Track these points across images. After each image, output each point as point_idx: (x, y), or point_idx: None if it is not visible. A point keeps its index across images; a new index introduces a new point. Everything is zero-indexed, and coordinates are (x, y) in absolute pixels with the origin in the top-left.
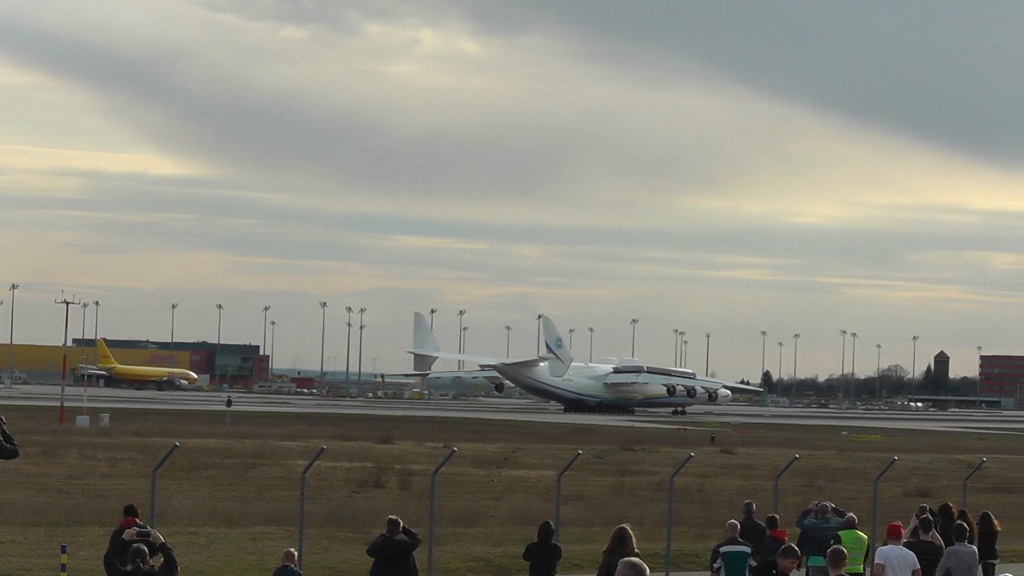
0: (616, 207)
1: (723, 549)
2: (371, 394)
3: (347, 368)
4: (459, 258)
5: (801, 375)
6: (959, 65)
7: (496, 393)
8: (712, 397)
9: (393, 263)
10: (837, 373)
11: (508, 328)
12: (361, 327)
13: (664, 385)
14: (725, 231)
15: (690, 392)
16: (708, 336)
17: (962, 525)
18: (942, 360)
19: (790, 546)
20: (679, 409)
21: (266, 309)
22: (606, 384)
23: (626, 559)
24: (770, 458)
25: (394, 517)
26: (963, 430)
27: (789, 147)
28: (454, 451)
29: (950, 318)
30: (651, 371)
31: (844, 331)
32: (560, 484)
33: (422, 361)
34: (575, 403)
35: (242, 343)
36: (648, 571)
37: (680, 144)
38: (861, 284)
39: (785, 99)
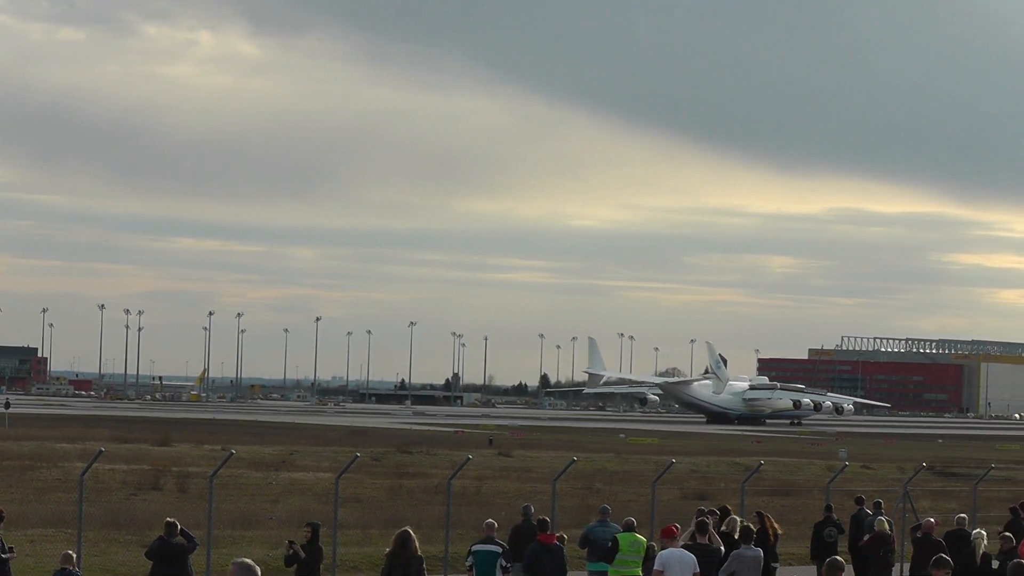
0: (392, 209)
1: (475, 548)
2: (149, 396)
3: (125, 370)
4: (236, 260)
5: (579, 377)
6: (736, 69)
7: (638, 407)
8: (839, 411)
9: (170, 265)
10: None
11: (286, 331)
12: (139, 329)
13: (792, 400)
14: (502, 233)
15: (817, 406)
16: (486, 338)
17: (748, 527)
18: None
19: (941, 556)
20: (796, 420)
21: (44, 311)
22: (744, 399)
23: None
24: (548, 461)
25: (172, 520)
26: (740, 433)
27: (566, 149)
28: (232, 453)
29: (727, 321)
30: (784, 388)
31: (622, 334)
32: (338, 486)
33: (595, 379)
34: (718, 416)
35: (19, 345)
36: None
37: (456, 146)
38: (639, 287)
39: (561, 101)
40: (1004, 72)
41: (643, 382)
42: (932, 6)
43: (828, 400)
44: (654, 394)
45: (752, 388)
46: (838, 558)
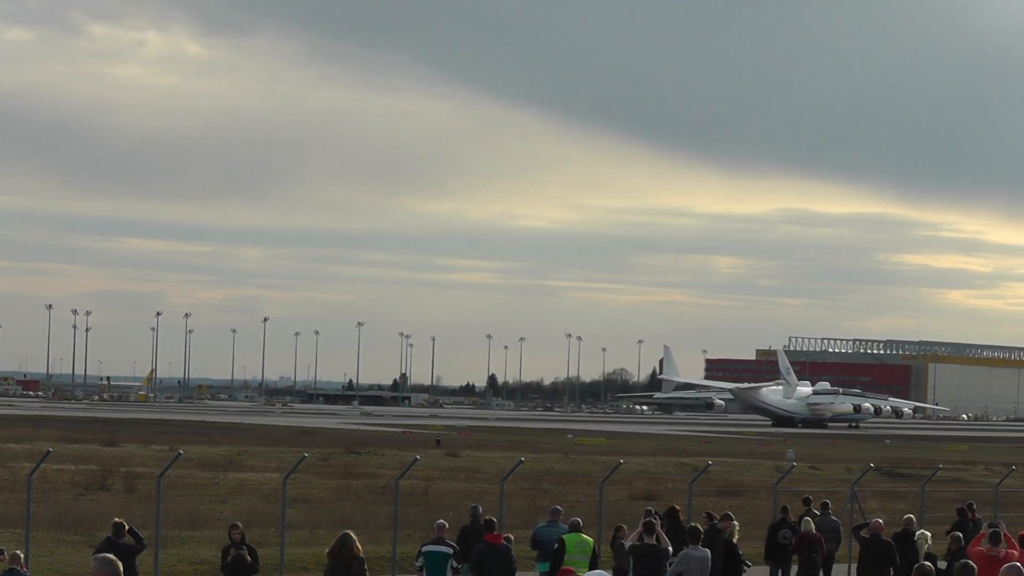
0: (340, 209)
1: (425, 548)
2: (97, 397)
3: (73, 370)
4: (184, 260)
5: (526, 378)
6: (683, 68)
7: (706, 411)
8: (898, 414)
9: (118, 265)
10: (562, 376)
11: (234, 331)
12: (87, 329)
13: (852, 404)
14: (449, 234)
15: (876, 410)
16: (433, 339)
17: (695, 527)
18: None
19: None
20: (854, 424)
21: None
22: (807, 404)
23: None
24: (496, 461)
25: (119, 520)
26: (688, 433)
27: (513, 150)
28: (180, 454)
29: (675, 321)
30: (846, 393)
31: (569, 334)
32: (286, 487)
33: (669, 385)
34: (784, 420)
35: None
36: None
37: (403, 146)
38: (586, 287)
39: (508, 101)
40: (952, 71)
41: (710, 387)
42: (878, 7)
43: (887, 404)
44: (720, 399)
45: (815, 393)
46: None
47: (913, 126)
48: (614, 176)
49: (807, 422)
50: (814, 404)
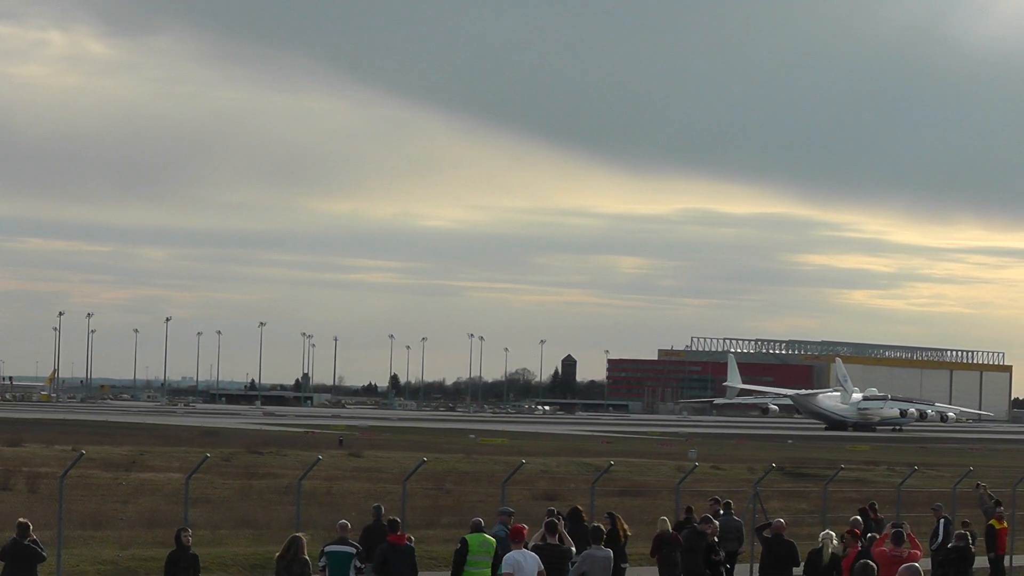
0: (243, 209)
1: (328, 549)
2: None
3: None
4: (87, 260)
5: (429, 378)
6: (587, 69)
7: (761, 415)
8: (943, 418)
9: (20, 265)
10: (465, 376)
11: (136, 331)
12: None
13: (899, 409)
14: (352, 234)
15: (921, 415)
16: (336, 339)
17: (598, 527)
18: (569, 364)
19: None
20: (897, 427)
21: None
22: (858, 409)
23: None
24: (398, 461)
25: (24, 520)
26: (590, 433)
27: (414, 150)
28: (83, 454)
29: (577, 322)
30: (894, 399)
31: (472, 334)
32: (188, 487)
33: (732, 391)
34: (837, 423)
35: None
36: None
37: (306, 146)
38: (489, 287)
39: (410, 101)
40: (855, 73)
41: (767, 392)
42: (781, 6)
43: (931, 409)
44: (775, 404)
45: (865, 399)
46: None
47: (817, 127)
48: (517, 176)
49: (857, 426)
50: (864, 409)
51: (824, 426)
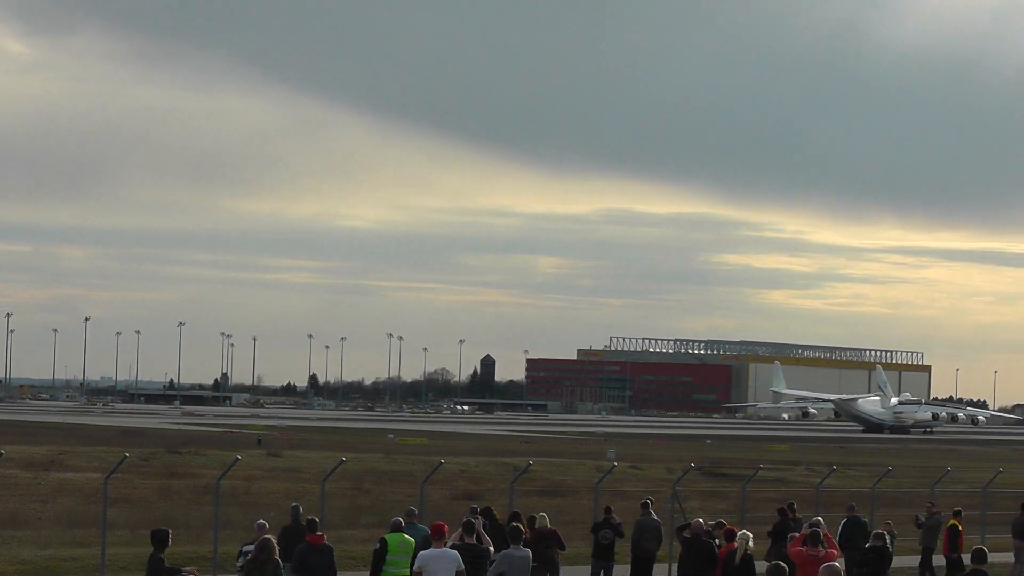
0: (161, 209)
1: (246, 548)
2: None
3: None
4: (4, 260)
5: (348, 378)
6: (507, 69)
7: (801, 418)
8: (973, 421)
9: None
10: (384, 376)
11: (55, 331)
12: None
13: (932, 413)
14: (271, 233)
15: (952, 418)
16: (255, 339)
17: (517, 527)
18: (488, 363)
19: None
20: (928, 430)
21: None
22: (893, 413)
23: None
24: (317, 461)
25: None
26: (509, 433)
27: (335, 149)
28: (1, 453)
29: (496, 321)
30: (928, 403)
31: (391, 334)
32: (107, 487)
33: (779, 397)
34: (874, 427)
35: None
36: None
37: (224, 145)
38: (408, 287)
39: (329, 100)
40: (772, 72)
41: (806, 397)
42: (701, 6)
43: (962, 413)
44: (813, 408)
45: (900, 404)
46: None
47: (736, 127)
48: (436, 176)
49: (893, 428)
50: (899, 412)
51: (862, 429)
